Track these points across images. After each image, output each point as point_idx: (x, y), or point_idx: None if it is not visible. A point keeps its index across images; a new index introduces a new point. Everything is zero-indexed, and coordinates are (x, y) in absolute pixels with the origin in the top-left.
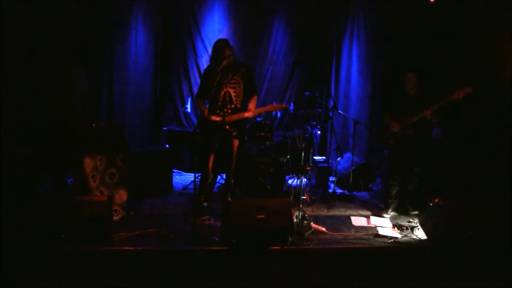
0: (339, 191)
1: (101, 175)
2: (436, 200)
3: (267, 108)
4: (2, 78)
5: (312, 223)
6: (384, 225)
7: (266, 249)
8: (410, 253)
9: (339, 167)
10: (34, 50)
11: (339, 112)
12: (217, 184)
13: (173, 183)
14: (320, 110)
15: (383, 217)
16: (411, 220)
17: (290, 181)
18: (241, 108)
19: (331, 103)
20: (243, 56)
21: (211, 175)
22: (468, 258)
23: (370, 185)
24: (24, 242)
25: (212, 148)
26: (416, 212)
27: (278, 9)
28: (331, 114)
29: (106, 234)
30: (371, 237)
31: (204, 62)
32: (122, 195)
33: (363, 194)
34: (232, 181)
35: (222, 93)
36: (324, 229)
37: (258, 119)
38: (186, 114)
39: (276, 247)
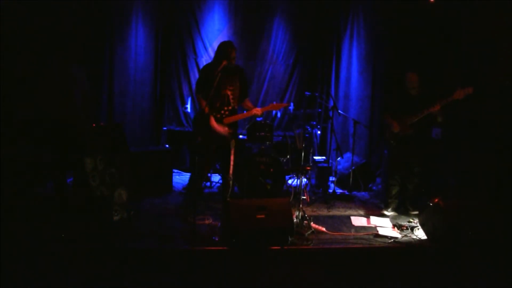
0: (339, 191)
1: (101, 175)
2: (436, 200)
3: (271, 106)
4: (2, 78)
5: (312, 223)
6: (384, 225)
7: (266, 249)
8: (410, 253)
9: (339, 167)
10: (34, 50)
11: (339, 112)
12: (217, 184)
13: (173, 183)
14: (320, 110)
15: (383, 217)
16: (411, 220)
17: (290, 181)
18: (237, 109)
19: (331, 103)
20: (243, 56)
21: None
22: (468, 258)
23: (370, 185)
24: (24, 242)
25: (211, 149)
26: (416, 212)
27: (278, 9)
28: (331, 114)
29: (106, 234)
30: (371, 237)
31: (204, 62)
32: (122, 195)
33: (363, 194)
34: (231, 180)
35: (222, 94)
36: (324, 229)
37: (258, 119)
38: (186, 114)
39: (276, 247)
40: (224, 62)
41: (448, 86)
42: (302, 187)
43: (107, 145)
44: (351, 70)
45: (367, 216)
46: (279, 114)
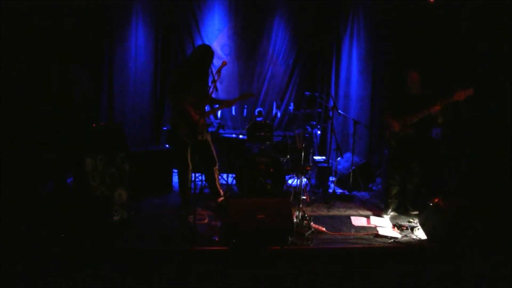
0: (339, 191)
1: (101, 175)
2: (436, 200)
3: (239, 97)
4: (2, 78)
5: (312, 223)
6: (384, 225)
7: (266, 249)
8: (410, 253)
9: (339, 167)
10: (34, 50)
11: (339, 112)
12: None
13: (173, 183)
14: (320, 110)
15: (383, 217)
16: (411, 220)
17: (290, 181)
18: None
19: (331, 103)
20: (243, 56)
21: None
22: (468, 258)
23: (370, 185)
24: (24, 242)
25: (188, 144)
26: (416, 212)
27: (278, 9)
28: (331, 114)
29: (106, 234)
30: (371, 237)
31: None
32: (122, 195)
33: (363, 194)
34: (217, 172)
35: (201, 92)
36: (324, 229)
37: (258, 119)
38: None
39: (276, 247)
40: (224, 62)
41: (448, 86)
42: (302, 187)
43: (107, 145)
44: (351, 70)
45: (367, 216)
46: (279, 114)
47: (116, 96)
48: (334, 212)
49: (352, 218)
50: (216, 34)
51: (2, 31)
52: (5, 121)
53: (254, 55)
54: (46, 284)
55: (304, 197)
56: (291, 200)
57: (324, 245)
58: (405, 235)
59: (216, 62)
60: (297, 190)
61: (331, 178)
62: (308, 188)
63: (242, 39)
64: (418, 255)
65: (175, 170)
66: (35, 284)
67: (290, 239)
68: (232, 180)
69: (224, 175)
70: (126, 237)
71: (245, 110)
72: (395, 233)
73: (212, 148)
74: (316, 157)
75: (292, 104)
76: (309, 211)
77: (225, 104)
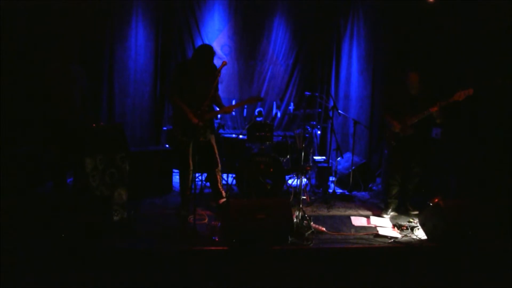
0: (339, 191)
1: (101, 175)
2: (436, 200)
3: (245, 102)
4: (2, 78)
5: (312, 223)
6: (384, 225)
7: (266, 249)
8: (410, 253)
9: (339, 167)
10: (34, 50)
11: (339, 112)
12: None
13: (173, 183)
14: (320, 110)
15: (383, 217)
16: (411, 220)
17: (290, 181)
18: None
19: (331, 103)
20: (243, 56)
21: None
22: (468, 258)
23: (370, 185)
24: (24, 242)
25: (189, 144)
26: (416, 212)
27: (278, 9)
28: (331, 114)
29: (106, 234)
30: (371, 237)
31: None
32: (122, 195)
33: (363, 194)
34: (219, 173)
35: (201, 92)
36: (324, 229)
37: (258, 119)
38: None
39: (276, 247)
40: (224, 62)
41: (448, 86)
42: (302, 187)
43: (107, 145)
44: (351, 70)
45: (367, 216)
46: (279, 114)
47: (116, 96)
48: (334, 212)
49: (352, 218)
50: (216, 34)
51: (2, 31)
52: (5, 121)
53: (254, 55)
54: (46, 284)
55: (304, 197)
56: (291, 200)
57: (324, 245)
58: (405, 235)
59: (216, 62)
60: (297, 190)
61: (331, 178)
62: (308, 188)
63: (242, 39)
64: (418, 255)
65: (175, 170)
66: (35, 284)
67: (290, 239)
68: (232, 180)
69: (224, 175)
70: (126, 237)
71: (245, 110)
72: (395, 233)
73: (215, 150)
74: (316, 157)
75: (292, 104)
76: (309, 211)
77: (227, 108)
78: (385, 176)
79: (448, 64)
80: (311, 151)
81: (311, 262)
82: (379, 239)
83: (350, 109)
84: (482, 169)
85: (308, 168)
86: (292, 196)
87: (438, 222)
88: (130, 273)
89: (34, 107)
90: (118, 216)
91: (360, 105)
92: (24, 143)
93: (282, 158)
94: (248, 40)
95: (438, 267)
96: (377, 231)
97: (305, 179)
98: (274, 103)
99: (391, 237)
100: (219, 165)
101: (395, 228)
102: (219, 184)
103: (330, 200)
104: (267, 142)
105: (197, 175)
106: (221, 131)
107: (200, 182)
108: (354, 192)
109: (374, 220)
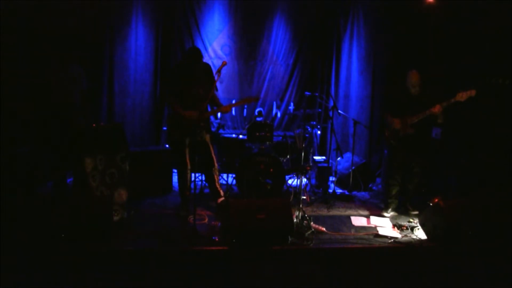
0: (339, 191)
1: (101, 175)
2: (436, 200)
3: (241, 102)
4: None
5: (312, 223)
6: (384, 225)
7: (266, 249)
8: (410, 253)
9: (339, 167)
10: (34, 50)
11: (339, 112)
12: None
13: (173, 183)
14: (320, 110)
15: (383, 217)
16: (411, 220)
17: (290, 181)
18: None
19: (331, 103)
20: (243, 56)
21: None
22: (468, 258)
23: (370, 185)
24: (24, 242)
25: (186, 144)
26: (416, 212)
27: (278, 9)
28: (331, 114)
29: (106, 234)
30: (371, 237)
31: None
32: (122, 195)
33: (363, 194)
34: (216, 173)
35: (197, 92)
36: (324, 229)
37: (258, 119)
38: None
39: (276, 247)
40: (224, 62)
41: (448, 86)
42: (302, 187)
43: (107, 145)
44: (351, 70)
45: (367, 216)
46: (279, 114)
47: (116, 96)
48: (334, 212)
49: (352, 218)
50: (216, 34)
51: (2, 31)
52: (5, 121)
53: (254, 55)
54: (46, 285)
55: (304, 197)
56: (291, 200)
57: (324, 245)
58: (405, 235)
59: (216, 62)
60: (297, 190)
61: (331, 178)
62: (308, 188)
63: (242, 39)
64: (418, 255)
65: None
66: (35, 284)
67: (290, 239)
68: (232, 180)
69: (224, 175)
70: (126, 237)
71: (245, 110)
72: (395, 233)
73: (211, 149)
74: (316, 157)
75: (292, 104)
76: (309, 211)
77: (225, 107)
78: (385, 176)
79: (448, 64)
80: (311, 151)
81: (311, 262)
82: (379, 239)
83: (350, 109)
84: (482, 169)
85: (308, 168)
86: (292, 196)
87: (438, 222)
88: (130, 273)
89: (34, 107)
90: (118, 216)
91: (360, 105)
92: (24, 143)
93: (282, 158)
94: (248, 40)
95: (438, 267)
96: (377, 231)
97: (305, 179)
98: (274, 103)
99: (391, 237)
100: (216, 164)
101: (395, 228)
102: (216, 184)
103: (330, 200)
104: (267, 142)
105: (197, 175)
106: (221, 131)
107: (200, 182)
108: (354, 192)
109: (374, 220)
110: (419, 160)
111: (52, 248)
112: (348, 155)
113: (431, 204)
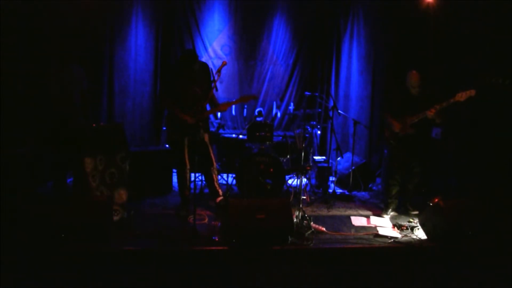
0: (339, 191)
1: (101, 175)
2: (436, 200)
3: (239, 100)
4: (2, 78)
5: (312, 223)
6: (384, 225)
7: (266, 249)
8: (410, 253)
9: (339, 167)
10: (34, 50)
11: (339, 112)
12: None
13: (173, 183)
14: (320, 110)
15: (383, 217)
16: (411, 220)
17: (290, 181)
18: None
19: (331, 103)
20: (243, 56)
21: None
22: (468, 258)
23: (370, 185)
24: (24, 242)
25: (184, 144)
26: (416, 212)
27: (278, 9)
28: (331, 114)
29: (106, 234)
30: (371, 237)
31: (204, 61)
32: (122, 195)
33: (363, 194)
34: (214, 172)
35: (194, 92)
36: (324, 229)
37: (258, 119)
38: None
39: (276, 247)
40: (224, 62)
41: (448, 86)
42: (302, 187)
43: (107, 145)
44: (351, 70)
45: (367, 216)
46: (279, 114)
47: (116, 96)
48: (334, 212)
49: (352, 218)
50: (216, 34)
51: (2, 31)
52: (5, 121)
53: (254, 55)
54: (46, 285)
55: (304, 197)
56: (291, 200)
57: (324, 245)
58: (405, 235)
59: (216, 62)
60: (297, 190)
61: (331, 178)
62: (308, 188)
63: (242, 39)
64: (418, 255)
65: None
66: (35, 284)
67: (290, 239)
68: (232, 180)
69: (224, 175)
70: (126, 237)
71: (245, 110)
72: (395, 233)
73: (210, 149)
74: (316, 157)
75: (292, 104)
76: (309, 211)
77: (222, 106)
78: (385, 176)
79: (448, 64)
80: (311, 151)
81: (311, 262)
82: (379, 239)
83: (350, 109)
84: (482, 169)
85: (308, 168)
86: (292, 196)
87: (438, 222)
88: (130, 273)
89: (34, 107)
90: (118, 216)
91: (360, 105)
92: (24, 143)
93: (282, 158)
94: (248, 40)
95: (438, 267)
96: (377, 231)
97: (305, 179)
98: (274, 103)
99: (391, 237)
100: (214, 164)
101: (395, 228)
102: (215, 183)
103: (330, 200)
104: (267, 142)
105: (197, 175)
106: (221, 131)
107: (200, 182)
108: (354, 192)
109: (374, 220)
110: (419, 160)
111: (52, 248)
112: (348, 155)
113: (431, 204)
